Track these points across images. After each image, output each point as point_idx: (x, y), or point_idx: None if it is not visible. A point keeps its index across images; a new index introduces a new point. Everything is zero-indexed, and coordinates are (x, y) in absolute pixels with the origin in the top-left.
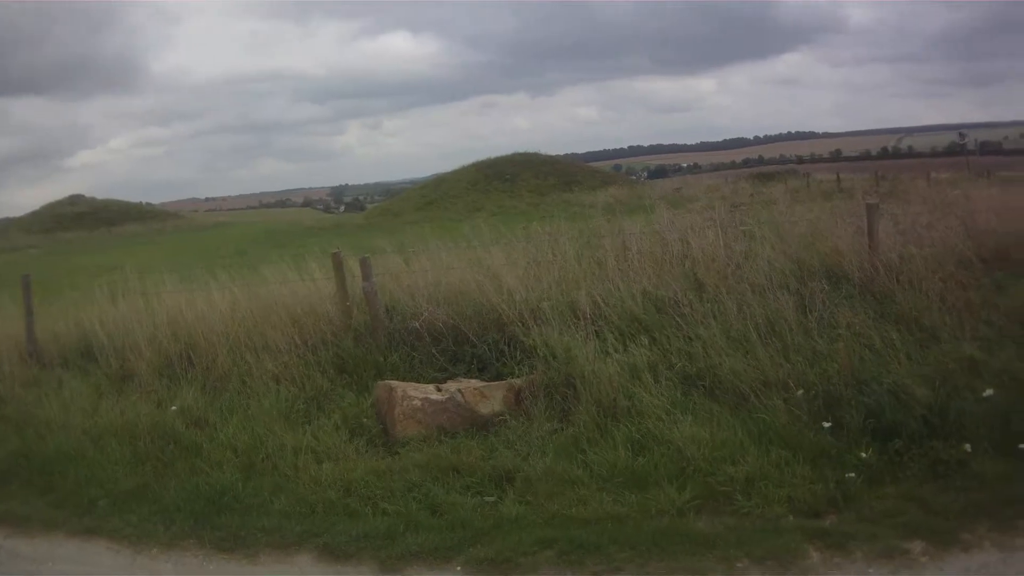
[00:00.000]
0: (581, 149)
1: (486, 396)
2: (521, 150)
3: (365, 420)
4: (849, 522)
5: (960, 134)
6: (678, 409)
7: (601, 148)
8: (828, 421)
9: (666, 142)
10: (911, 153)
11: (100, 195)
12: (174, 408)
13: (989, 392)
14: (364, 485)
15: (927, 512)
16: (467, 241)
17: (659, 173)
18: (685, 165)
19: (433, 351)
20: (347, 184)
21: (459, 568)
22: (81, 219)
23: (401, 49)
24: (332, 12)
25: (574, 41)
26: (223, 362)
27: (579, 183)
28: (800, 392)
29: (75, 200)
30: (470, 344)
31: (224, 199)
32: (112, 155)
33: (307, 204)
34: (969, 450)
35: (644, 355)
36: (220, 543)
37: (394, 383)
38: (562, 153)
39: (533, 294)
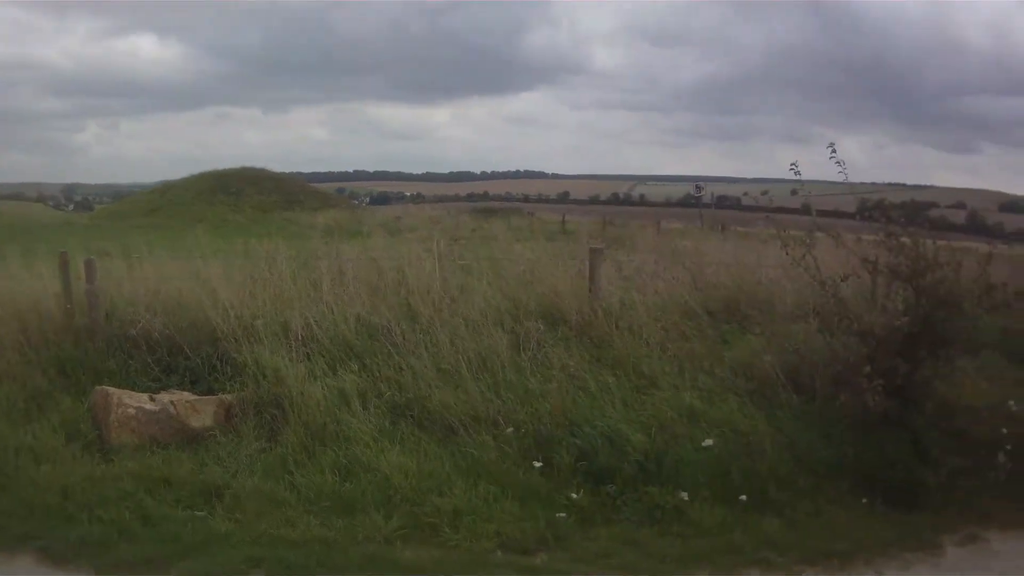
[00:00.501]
0: (308, 169)
1: (198, 410)
2: (249, 165)
3: (82, 425)
4: (561, 561)
5: (697, 186)
6: (386, 437)
7: (327, 170)
8: (539, 460)
9: (392, 169)
10: (643, 201)
11: None
12: None
13: (709, 442)
14: (80, 491)
15: (643, 555)
16: (188, 252)
17: (382, 199)
18: (409, 194)
19: (149, 360)
20: (79, 182)
21: None
22: None
23: (146, 51)
24: (87, 7)
25: (313, 59)
26: None
27: (301, 203)
28: (510, 429)
29: None
30: (184, 356)
31: None
32: None
33: (40, 199)
34: (686, 498)
35: (354, 381)
36: None
37: (110, 389)
38: (289, 171)
39: (247, 311)
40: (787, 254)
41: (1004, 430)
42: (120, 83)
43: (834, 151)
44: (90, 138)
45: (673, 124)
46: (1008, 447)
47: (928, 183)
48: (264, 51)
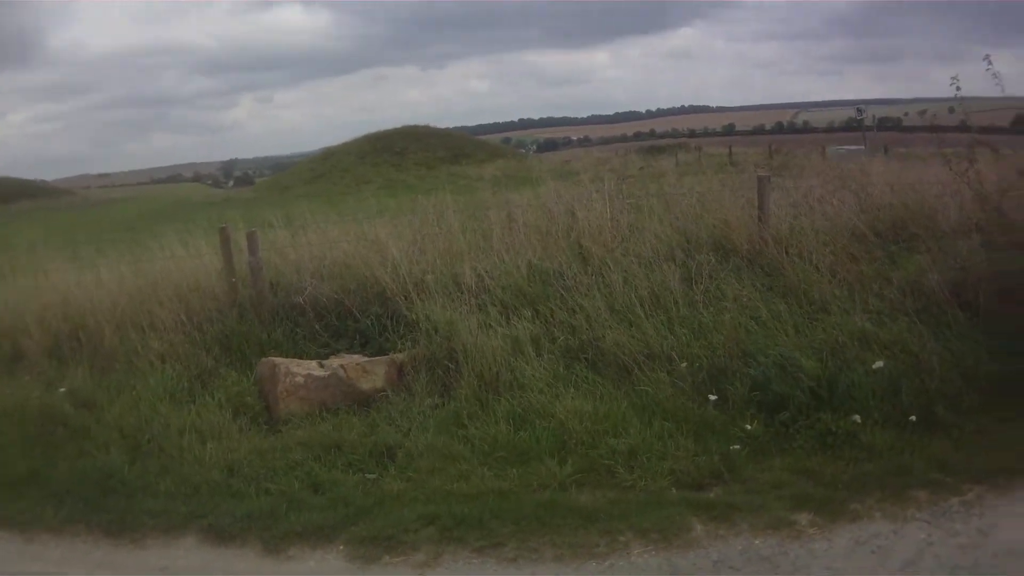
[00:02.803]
0: (472, 122)
1: (368, 371)
2: (411, 123)
3: (248, 398)
4: (734, 494)
5: (858, 109)
6: (560, 382)
7: (492, 121)
8: (713, 394)
9: (557, 115)
10: (807, 128)
11: None
12: (62, 390)
13: (879, 364)
14: (247, 464)
15: (815, 483)
16: (353, 214)
17: (549, 146)
18: (575, 138)
19: (316, 326)
20: (237, 158)
21: (342, 547)
22: None
23: (293, 21)
24: None
25: (464, 14)
26: (110, 341)
27: (468, 156)
28: (684, 364)
29: None
30: (353, 319)
31: (116, 175)
32: (9, 131)
33: (197, 179)
34: (859, 421)
35: (527, 328)
36: (108, 527)
37: (277, 360)
38: (453, 126)
39: (417, 267)
40: (950, 169)
41: None
42: (270, 55)
43: (990, 63)
44: (243, 113)
45: (826, 51)
46: None
47: None
48: (414, 10)
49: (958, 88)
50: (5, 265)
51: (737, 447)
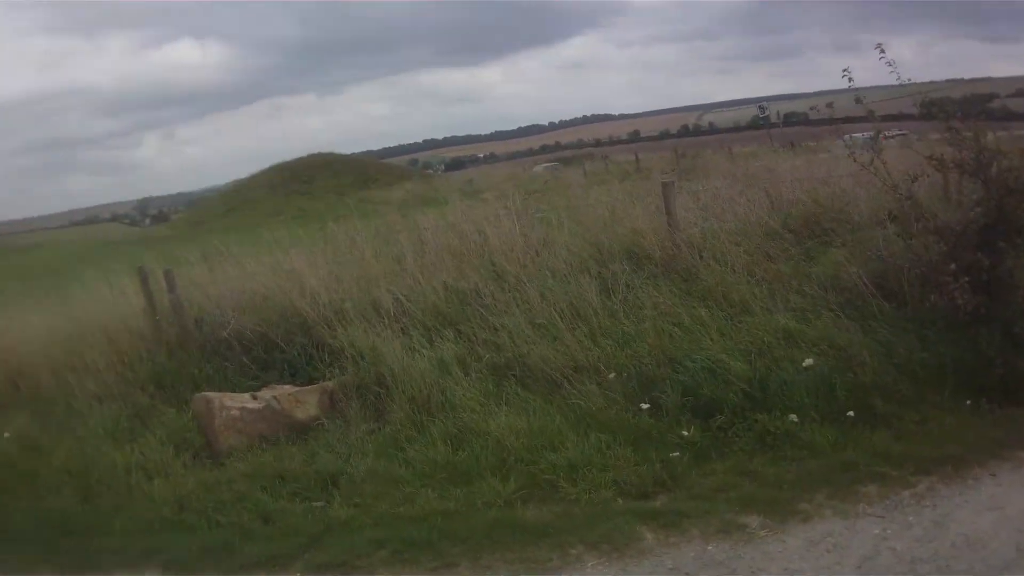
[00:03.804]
0: (376, 146)
1: (301, 401)
2: (316, 151)
3: (188, 434)
4: (680, 501)
5: (760, 107)
6: (491, 400)
7: (396, 143)
8: (645, 402)
9: (461, 133)
10: (712, 129)
11: None
12: (7, 435)
13: (809, 362)
14: (196, 499)
15: (760, 485)
16: (267, 247)
17: (456, 165)
18: (482, 156)
19: (244, 360)
20: (151, 196)
21: (298, 575)
22: None
23: (187, 57)
24: (116, 24)
25: (355, 38)
26: (48, 386)
27: (376, 180)
28: (612, 375)
29: None
30: (279, 350)
31: (35, 219)
32: None
33: (115, 219)
34: (796, 420)
35: (451, 348)
36: (70, 567)
37: (211, 395)
38: (358, 151)
39: (335, 295)
40: (855, 161)
41: None
42: (168, 92)
43: (883, 52)
44: (150, 151)
45: (720, 50)
46: None
47: (985, 75)
48: (304, 38)
49: (850, 79)
50: None
51: (676, 454)
